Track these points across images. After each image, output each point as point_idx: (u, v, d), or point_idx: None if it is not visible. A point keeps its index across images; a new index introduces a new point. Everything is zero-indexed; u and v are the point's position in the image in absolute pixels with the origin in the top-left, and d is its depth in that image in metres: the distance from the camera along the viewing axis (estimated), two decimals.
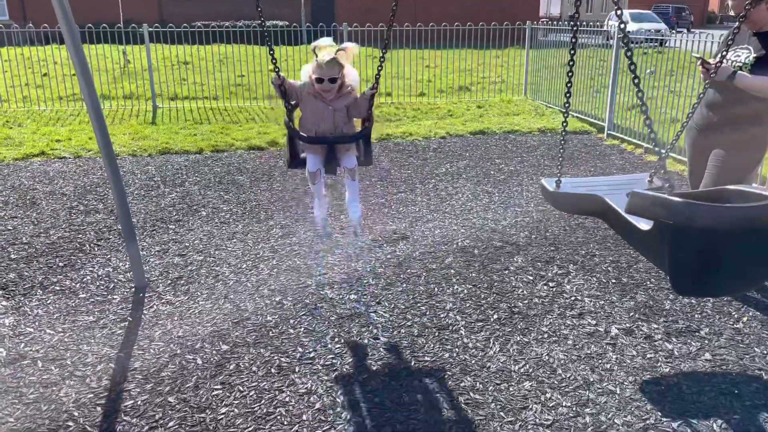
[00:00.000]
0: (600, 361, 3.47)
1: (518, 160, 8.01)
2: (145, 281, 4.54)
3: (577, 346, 3.62)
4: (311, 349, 3.62)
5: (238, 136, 9.21)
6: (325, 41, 3.40)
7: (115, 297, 4.35)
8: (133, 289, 4.46)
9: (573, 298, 4.20)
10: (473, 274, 4.59)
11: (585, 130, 9.83)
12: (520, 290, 4.32)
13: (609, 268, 4.67)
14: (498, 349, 3.60)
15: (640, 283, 4.43)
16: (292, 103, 3.46)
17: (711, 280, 2.64)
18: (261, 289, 4.39)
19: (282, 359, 3.53)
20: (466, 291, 4.32)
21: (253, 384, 3.30)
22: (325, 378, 3.35)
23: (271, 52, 3.32)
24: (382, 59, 3.39)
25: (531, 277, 4.52)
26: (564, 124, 3.66)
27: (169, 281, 4.57)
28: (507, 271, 4.63)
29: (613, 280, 4.47)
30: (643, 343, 3.65)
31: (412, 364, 3.47)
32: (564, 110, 3.59)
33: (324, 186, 3.82)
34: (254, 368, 3.44)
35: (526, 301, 4.16)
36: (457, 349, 3.60)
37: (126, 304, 4.26)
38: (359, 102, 3.46)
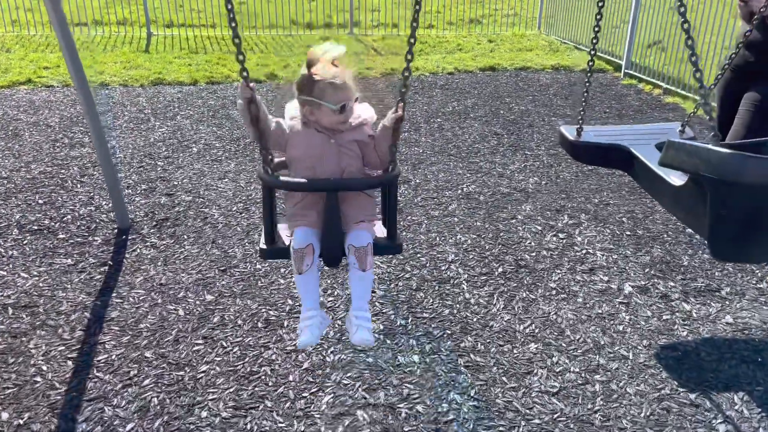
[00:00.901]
0: (612, 322, 3.22)
1: (529, 99, 7.57)
2: (128, 222, 4.27)
3: (588, 305, 3.37)
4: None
5: (235, 67, 8.72)
6: (333, 49, 2.19)
7: (96, 239, 4.09)
8: (116, 231, 4.19)
9: (584, 251, 3.92)
10: (478, 223, 4.29)
11: (600, 68, 9.30)
12: (528, 241, 4.04)
13: (623, 219, 4.37)
14: (502, 306, 3.34)
15: (657, 236, 4.13)
16: (273, 154, 2.18)
17: (756, 244, 2.33)
18: (252, 235, 4.12)
19: (270, 312, 3.29)
20: (469, 241, 4.04)
21: (238, 339, 3.07)
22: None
23: (236, 40, 1.97)
24: (408, 62, 2.08)
25: (539, 228, 4.23)
26: (590, 63, 3.26)
27: (155, 223, 4.30)
28: (514, 221, 4.33)
29: (628, 233, 4.18)
30: (658, 303, 3.39)
31: (409, 320, 3.23)
32: (591, 48, 3.19)
33: (317, 283, 2.27)
34: (239, 321, 3.21)
35: (533, 254, 3.88)
36: (458, 306, 3.35)
37: (107, 246, 4.00)
38: (378, 140, 2.19)
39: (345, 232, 2.17)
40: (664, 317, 3.27)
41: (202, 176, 5.08)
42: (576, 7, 10.69)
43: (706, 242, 2.47)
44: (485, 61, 9.47)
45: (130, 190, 4.81)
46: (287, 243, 2.21)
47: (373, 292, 3.47)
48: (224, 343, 3.04)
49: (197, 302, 3.37)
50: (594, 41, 3.20)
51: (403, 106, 2.10)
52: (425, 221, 4.32)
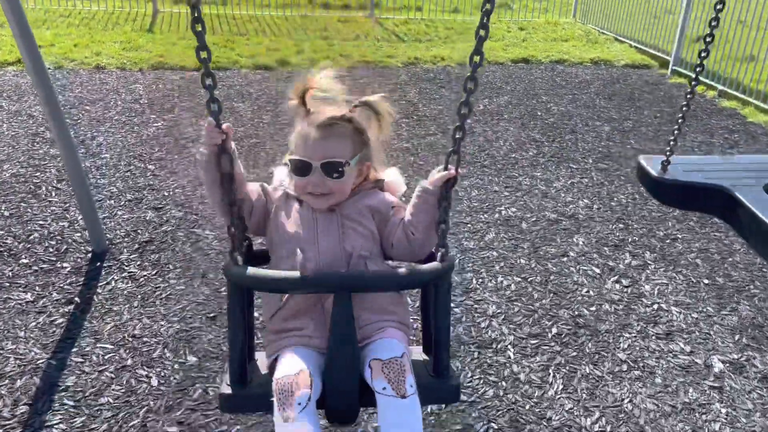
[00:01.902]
0: (704, 417, 2.50)
1: (569, 99, 6.77)
2: (105, 244, 3.59)
3: (670, 389, 2.65)
4: None
5: (244, 51, 7.98)
6: (327, 77, 1.52)
7: (65, 265, 3.41)
8: (90, 255, 3.51)
9: (655, 306, 3.19)
10: (522, 261, 3.57)
11: (645, 64, 8.46)
12: (585, 289, 3.31)
13: (697, 260, 3.63)
14: (561, 387, 2.63)
15: (742, 286, 3.39)
16: (249, 237, 1.56)
17: None
18: None
19: None
20: (513, 286, 3.32)
21: (222, 428, 2.38)
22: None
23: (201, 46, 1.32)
24: (468, 93, 1.36)
25: (598, 270, 3.50)
26: (693, 84, 2.52)
27: (137, 246, 3.61)
28: (566, 259, 3.60)
29: (705, 280, 3.44)
30: (759, 389, 2.67)
31: (443, 406, 2.53)
32: (697, 65, 2.44)
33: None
34: None
35: (593, 308, 3.16)
36: (504, 383, 2.64)
37: (77, 276, 3.32)
38: (416, 208, 1.45)
39: (361, 348, 1.38)
40: None
41: (198, 185, 4.37)
42: None
43: None
44: (517, 52, 8.65)
45: (112, 201, 4.12)
46: (266, 381, 1.39)
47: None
48: None
49: (176, 366, 2.69)
50: (702, 55, 2.45)
51: (457, 160, 1.40)
52: (458, 255, 3.60)
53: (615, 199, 4.39)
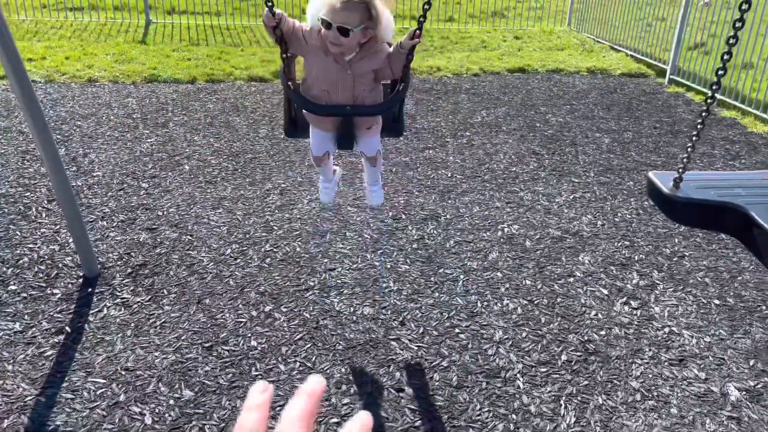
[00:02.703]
0: None
1: (567, 109, 6.70)
2: (96, 269, 3.47)
3: (686, 420, 2.55)
4: None
5: (239, 63, 7.87)
6: None
7: (55, 291, 3.30)
8: (81, 280, 3.40)
9: (667, 330, 3.10)
10: (527, 282, 3.47)
11: (641, 73, 8.40)
12: (593, 312, 3.22)
13: (707, 279, 3.54)
14: (573, 420, 2.53)
15: (753, 307, 3.30)
16: (289, 54, 2.36)
17: None
18: (247, 292, 3.31)
19: None
20: (520, 310, 3.22)
21: None
22: None
23: None
24: None
25: (606, 291, 3.40)
26: (708, 102, 2.42)
27: (130, 270, 3.50)
28: (572, 279, 3.50)
29: (716, 301, 3.35)
30: None
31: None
32: (713, 84, 2.35)
33: (332, 166, 2.94)
34: None
35: (603, 333, 3.06)
36: (514, 417, 2.54)
37: (68, 303, 3.20)
38: (392, 59, 2.31)
39: (356, 135, 2.54)
40: None
41: (193, 204, 4.26)
42: (610, 1, 9.75)
43: None
44: (513, 62, 8.58)
45: (104, 222, 4.00)
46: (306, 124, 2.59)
47: (401, 390, 2.65)
48: None
49: (171, 401, 2.57)
50: (720, 74, 2.36)
51: (420, 29, 2.19)
52: (462, 276, 3.50)
53: (619, 214, 4.30)
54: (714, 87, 2.47)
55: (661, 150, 5.58)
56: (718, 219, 2.55)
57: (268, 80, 7.32)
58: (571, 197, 4.56)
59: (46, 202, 4.21)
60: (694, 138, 2.59)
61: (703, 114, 2.51)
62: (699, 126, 2.51)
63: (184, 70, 7.45)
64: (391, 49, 2.32)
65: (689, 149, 2.61)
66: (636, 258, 3.74)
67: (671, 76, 8.01)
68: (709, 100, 2.51)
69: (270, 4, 2.12)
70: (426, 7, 2.17)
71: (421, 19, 2.19)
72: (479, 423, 2.50)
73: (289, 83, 2.36)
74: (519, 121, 6.23)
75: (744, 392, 2.70)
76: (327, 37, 2.19)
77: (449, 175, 4.86)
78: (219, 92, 6.78)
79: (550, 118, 6.36)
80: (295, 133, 2.67)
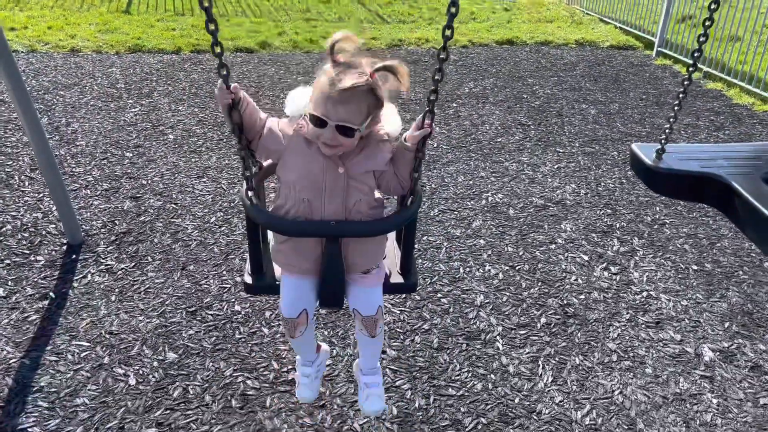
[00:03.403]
0: (696, 408, 2.47)
1: (555, 81, 6.69)
2: (80, 236, 3.47)
3: (660, 379, 2.61)
4: (290, 366, 2.60)
5: (225, 33, 7.77)
6: (349, 37, 1.62)
7: (39, 258, 3.30)
8: (65, 247, 3.40)
9: (644, 294, 3.15)
10: (510, 248, 3.51)
11: (630, 45, 8.39)
12: (573, 278, 3.27)
13: (685, 246, 3.59)
14: (550, 379, 2.59)
15: (730, 272, 3.36)
16: (256, 168, 1.70)
17: None
18: (231, 259, 3.33)
19: (248, 382, 2.52)
20: (501, 275, 3.26)
21: (203, 428, 2.31)
22: (308, 421, 2.35)
23: (211, 26, 1.42)
24: (440, 62, 1.50)
25: (586, 257, 3.45)
26: (690, 71, 2.44)
27: (114, 237, 3.50)
28: (554, 246, 3.54)
29: (694, 266, 3.40)
30: (750, 377, 2.64)
31: (431, 400, 2.47)
32: (694, 52, 2.36)
33: (314, 339, 1.98)
34: (207, 397, 2.44)
35: (582, 297, 3.11)
36: (493, 377, 2.59)
37: (52, 270, 3.21)
38: (397, 160, 1.65)
39: (348, 282, 1.74)
40: (762, 401, 2.52)
41: (177, 173, 4.25)
42: None
43: None
44: (502, 33, 8.54)
45: (88, 190, 3.98)
46: (277, 276, 1.80)
47: (384, 353, 2.70)
48: None
49: (155, 363, 2.60)
50: (701, 40, 2.37)
51: (431, 118, 1.57)
52: (445, 244, 3.53)
53: (602, 184, 4.34)
54: (696, 54, 2.48)
55: (647, 121, 5.61)
56: (699, 190, 2.58)
57: (255, 51, 7.25)
58: (556, 167, 4.58)
59: (28, 170, 4.19)
60: (676, 109, 2.61)
61: (685, 83, 2.53)
62: (681, 95, 2.53)
63: (169, 40, 7.36)
64: (394, 146, 1.66)
65: (671, 120, 2.63)
66: (617, 225, 3.79)
67: (659, 49, 8.00)
68: (690, 68, 2.53)
69: (225, 72, 1.46)
70: (437, 77, 1.52)
71: (432, 96, 1.53)
72: (458, 383, 2.55)
73: (252, 197, 1.65)
74: (506, 93, 6.22)
75: (717, 353, 2.76)
76: (319, 137, 1.57)
77: (435, 146, 4.87)
78: (204, 63, 6.71)
79: (537, 90, 6.36)
80: (259, 285, 1.80)
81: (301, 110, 1.62)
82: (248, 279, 1.79)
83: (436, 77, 1.52)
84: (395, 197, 1.75)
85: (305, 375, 1.97)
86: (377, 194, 1.71)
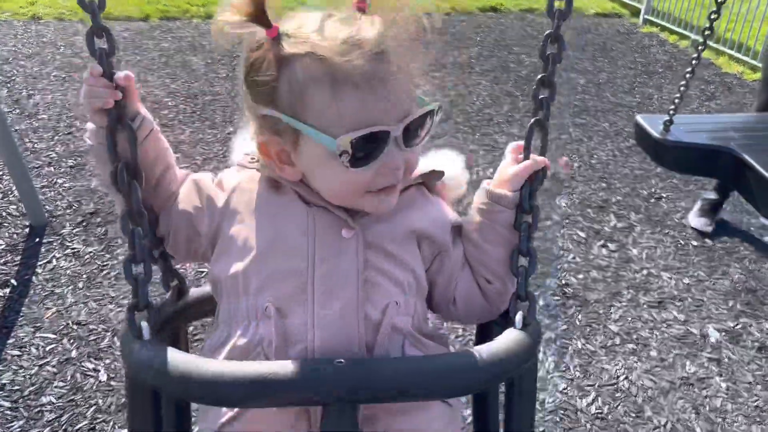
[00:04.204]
0: (704, 393, 2.36)
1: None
2: (44, 218, 3.22)
3: (667, 362, 2.49)
4: None
5: (196, 0, 7.41)
6: None
7: None
8: (27, 230, 3.15)
9: (645, 272, 3.02)
10: None
11: (616, 13, 8.20)
12: (571, 255, 3.12)
13: (684, 221, 3.46)
14: (552, 366, 2.45)
15: (731, 248, 3.25)
16: (177, 273, 1.06)
17: None
18: None
19: None
20: None
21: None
22: None
23: None
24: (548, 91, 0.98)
25: (583, 234, 3.30)
26: (700, 49, 2.29)
27: (80, 218, 3.26)
28: (549, 222, 3.39)
29: (693, 242, 3.28)
30: (758, 359, 2.53)
31: None
32: (704, 29, 2.21)
33: None
34: None
35: (581, 276, 2.97)
36: None
37: (13, 255, 2.97)
38: (474, 229, 0.97)
39: None
40: None
41: None
42: None
43: None
44: (485, 0, 8.28)
45: (51, 168, 3.72)
46: None
47: None
48: None
49: None
50: (713, 17, 2.23)
51: (544, 141, 0.95)
52: None
53: (595, 156, 4.19)
54: (706, 32, 2.34)
55: (636, 90, 5.46)
56: (710, 163, 2.44)
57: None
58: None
59: None
60: (684, 83, 2.46)
61: (694, 62, 2.39)
62: (689, 72, 2.40)
63: (136, 6, 6.96)
64: (466, 214, 1.00)
65: (682, 89, 2.48)
66: (613, 200, 3.64)
67: (645, 16, 7.83)
68: (700, 47, 2.39)
69: (106, 46, 0.91)
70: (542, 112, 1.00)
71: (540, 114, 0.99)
72: None
73: (147, 328, 0.87)
74: (492, 62, 6.01)
75: (723, 333, 2.65)
76: (365, 183, 0.86)
77: None
78: (174, 30, 6.36)
79: (523, 59, 6.16)
80: None
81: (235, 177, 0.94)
82: None
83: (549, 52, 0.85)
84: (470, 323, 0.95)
85: None
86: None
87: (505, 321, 0.90)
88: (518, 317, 0.87)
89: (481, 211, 0.91)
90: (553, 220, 3.41)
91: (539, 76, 0.98)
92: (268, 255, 0.85)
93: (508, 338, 0.84)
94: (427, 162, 1.00)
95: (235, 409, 0.87)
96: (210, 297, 0.99)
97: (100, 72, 0.86)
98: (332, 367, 0.74)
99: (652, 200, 3.66)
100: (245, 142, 0.95)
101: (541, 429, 2.18)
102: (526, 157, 0.92)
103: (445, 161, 1.02)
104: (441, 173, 0.96)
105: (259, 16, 0.84)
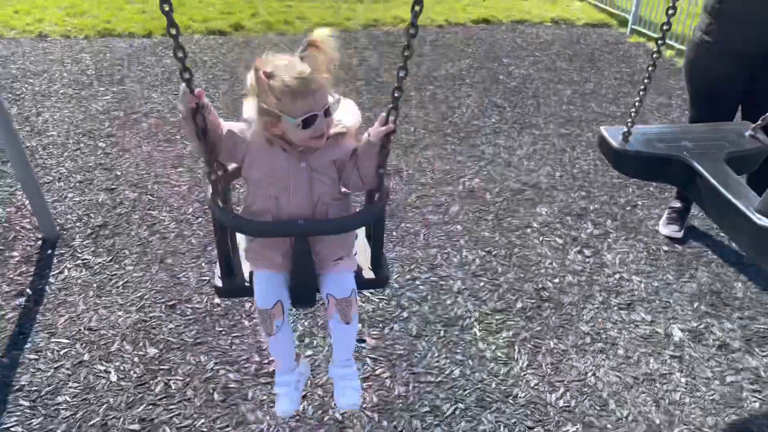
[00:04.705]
0: (665, 387, 2.56)
1: (530, 61, 6.71)
2: (55, 231, 3.44)
3: (632, 360, 2.70)
4: (272, 358, 2.64)
5: (196, 15, 7.64)
6: (281, 59, 1.61)
7: (14, 254, 3.27)
8: (40, 243, 3.37)
9: (617, 276, 3.23)
10: (486, 233, 3.56)
11: (604, 23, 8.42)
12: (548, 261, 3.33)
13: (656, 228, 3.67)
14: (526, 363, 2.66)
15: (700, 252, 3.45)
16: (221, 172, 1.69)
17: None
18: (210, 250, 3.33)
19: (230, 375, 2.55)
20: (478, 261, 3.31)
21: (186, 423, 2.34)
22: (290, 416, 2.39)
23: (172, 30, 1.41)
24: (405, 59, 1.55)
25: (560, 240, 3.51)
26: (655, 55, 2.47)
27: (90, 231, 3.48)
28: (529, 230, 3.60)
29: (665, 247, 3.49)
30: (717, 356, 2.74)
31: (410, 387, 2.52)
32: (665, 23, 2.38)
33: (292, 339, 1.97)
34: (189, 392, 2.47)
35: (557, 280, 3.18)
36: (471, 362, 2.65)
37: (27, 266, 3.19)
38: (361, 155, 1.67)
39: (320, 274, 1.78)
40: (728, 379, 2.62)
41: (152, 163, 4.21)
42: None
43: None
44: (478, 12, 8.50)
45: (61, 183, 3.94)
46: (248, 277, 1.83)
47: (362, 340, 2.74)
48: (168, 429, 2.30)
49: (135, 359, 2.61)
50: (670, 13, 2.39)
51: (395, 114, 1.59)
52: (423, 231, 3.57)
53: (577, 166, 4.40)
54: (664, 27, 2.49)
55: (620, 101, 5.67)
56: (664, 170, 2.65)
57: (228, 33, 7.14)
58: (531, 150, 4.63)
59: (0, 162, 4.12)
60: (641, 92, 2.65)
61: (650, 69, 2.56)
62: (646, 81, 2.57)
63: (139, 23, 7.21)
64: (358, 143, 1.69)
65: (637, 104, 2.68)
66: (591, 208, 3.85)
67: (633, 26, 8.05)
68: (654, 54, 2.55)
69: (188, 76, 1.42)
70: (401, 74, 1.55)
71: (396, 93, 1.57)
72: (437, 369, 2.61)
73: (219, 202, 1.66)
74: (482, 74, 6.23)
75: (687, 332, 2.85)
76: (301, 140, 1.62)
77: (412, 130, 4.88)
78: None
79: (513, 71, 6.38)
80: (231, 288, 1.84)
81: (250, 114, 1.65)
82: (218, 282, 1.81)
83: (401, 74, 1.54)
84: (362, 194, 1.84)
85: (285, 384, 1.88)
86: (343, 189, 1.76)
87: (372, 195, 1.75)
88: (376, 196, 1.72)
89: (364, 147, 1.64)
90: (532, 227, 3.62)
91: (395, 86, 1.56)
92: (270, 175, 1.68)
93: (372, 207, 1.75)
94: (340, 114, 1.72)
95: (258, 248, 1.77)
96: (236, 173, 1.79)
97: (188, 91, 1.46)
98: (298, 223, 1.66)
99: (628, 208, 3.87)
100: (249, 109, 1.66)
101: (512, 421, 2.39)
102: (384, 124, 1.60)
103: (348, 114, 1.75)
104: (345, 132, 1.71)
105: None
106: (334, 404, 2.07)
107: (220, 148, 1.64)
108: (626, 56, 7.09)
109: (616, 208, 3.87)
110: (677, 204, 3.64)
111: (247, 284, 1.81)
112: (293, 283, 1.75)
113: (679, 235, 3.53)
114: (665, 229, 3.58)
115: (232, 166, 1.75)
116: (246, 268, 1.83)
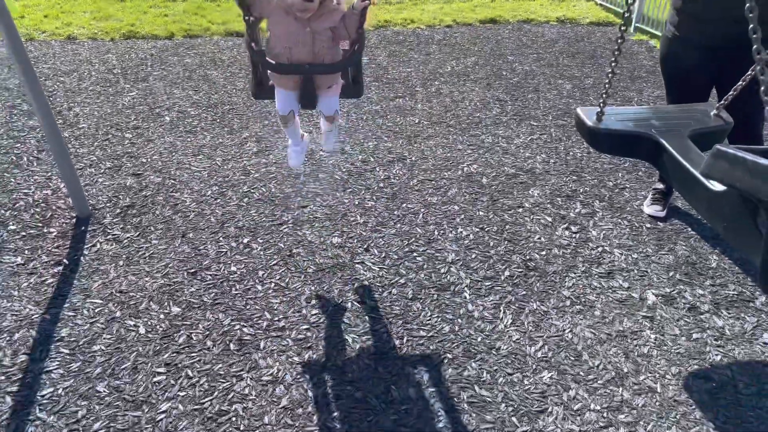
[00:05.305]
0: (635, 343, 2.83)
1: (534, 58, 6.98)
2: (88, 210, 3.80)
3: (607, 320, 2.97)
4: (281, 316, 2.95)
5: (215, 18, 8.04)
6: None
7: (51, 230, 3.62)
8: (74, 220, 3.72)
9: (600, 249, 3.50)
10: (480, 212, 3.84)
11: (609, 21, 8.66)
12: (537, 236, 3.61)
13: (642, 207, 3.93)
14: (510, 322, 2.94)
15: (680, 229, 3.70)
16: (254, 16, 2.45)
17: None
18: (227, 227, 3.66)
19: (244, 329, 2.87)
20: (471, 236, 3.60)
21: (206, 367, 2.66)
22: (296, 359, 2.71)
23: None
24: None
25: (550, 219, 3.79)
26: (619, 41, 2.75)
27: (119, 210, 3.83)
28: (521, 210, 3.88)
29: (648, 225, 3.74)
30: (687, 317, 2.99)
31: (404, 340, 2.82)
32: (621, 25, 2.66)
33: (301, 131, 3.14)
34: (209, 342, 2.79)
35: (543, 253, 3.46)
36: (460, 321, 2.94)
37: (64, 240, 3.54)
38: (347, 20, 2.46)
39: (317, 95, 2.71)
40: (694, 336, 2.88)
41: (174, 152, 4.57)
42: None
43: (759, 274, 2.03)
44: (486, 13, 8.79)
45: (92, 169, 4.31)
46: (271, 84, 2.75)
47: (363, 303, 3.05)
48: (190, 372, 2.63)
49: (161, 316, 2.94)
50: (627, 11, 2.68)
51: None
52: (422, 210, 3.86)
53: (571, 153, 4.66)
54: (622, 28, 2.76)
55: (618, 94, 5.91)
56: (634, 147, 2.93)
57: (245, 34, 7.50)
58: (529, 139, 4.90)
59: (36, 152, 4.50)
60: (610, 74, 2.92)
61: (616, 51, 2.83)
62: (613, 62, 2.84)
63: (162, 26, 7.62)
64: (345, 10, 2.51)
65: (607, 86, 2.95)
66: (581, 190, 4.12)
67: (636, 24, 8.28)
68: (621, 26, 2.78)
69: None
70: None
71: None
72: (429, 326, 2.90)
73: (253, 45, 2.49)
74: (486, 70, 6.51)
75: (660, 297, 3.11)
76: (293, 5, 2.37)
77: (417, 122, 5.18)
78: (196, 47, 6.99)
79: (516, 67, 6.65)
80: (261, 95, 2.83)
81: None
82: (253, 89, 2.82)
83: None
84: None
85: (294, 150, 3.14)
86: (340, 46, 2.60)
87: (353, 45, 2.56)
88: (355, 47, 2.55)
89: (350, 12, 2.43)
90: (524, 207, 3.90)
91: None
92: (285, 33, 2.44)
93: (354, 55, 2.59)
94: None
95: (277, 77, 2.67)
96: (259, 21, 2.54)
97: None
98: (305, 65, 2.52)
99: (617, 190, 4.13)
100: None
101: (494, 368, 2.67)
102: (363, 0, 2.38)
103: None
104: (338, 9, 2.47)
105: None
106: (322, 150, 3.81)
107: (255, 7, 2.40)
108: (628, 53, 7.32)
109: (604, 190, 4.13)
110: (660, 185, 3.89)
111: (271, 84, 2.75)
112: (301, 97, 2.69)
113: (662, 214, 3.78)
114: (649, 209, 3.83)
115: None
116: (271, 83, 2.76)
